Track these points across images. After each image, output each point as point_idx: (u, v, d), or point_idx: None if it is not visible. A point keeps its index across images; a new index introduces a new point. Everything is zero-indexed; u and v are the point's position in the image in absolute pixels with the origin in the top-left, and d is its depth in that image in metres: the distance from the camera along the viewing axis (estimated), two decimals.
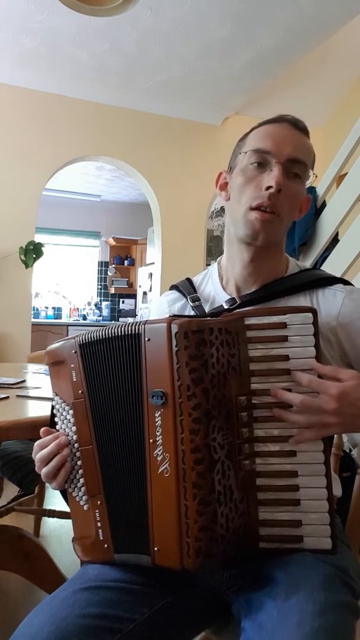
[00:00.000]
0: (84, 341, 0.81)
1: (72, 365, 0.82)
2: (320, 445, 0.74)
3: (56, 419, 0.86)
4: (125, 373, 0.76)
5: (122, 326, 0.77)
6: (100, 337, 0.79)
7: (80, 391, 0.81)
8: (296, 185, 0.89)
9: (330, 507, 0.73)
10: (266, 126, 0.92)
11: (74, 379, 0.82)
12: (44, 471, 0.81)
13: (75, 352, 0.81)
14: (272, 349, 0.75)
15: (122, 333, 0.76)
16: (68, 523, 2.33)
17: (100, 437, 0.79)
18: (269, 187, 0.86)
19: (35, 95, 3.97)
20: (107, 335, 0.78)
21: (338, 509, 0.80)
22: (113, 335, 0.77)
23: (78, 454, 0.81)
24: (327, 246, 2.57)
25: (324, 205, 2.62)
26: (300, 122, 0.92)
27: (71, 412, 0.82)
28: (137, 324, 0.75)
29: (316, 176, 0.95)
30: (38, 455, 0.82)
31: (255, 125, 0.94)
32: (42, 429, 0.84)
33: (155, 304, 1.09)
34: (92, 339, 0.80)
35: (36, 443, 0.84)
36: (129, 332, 0.76)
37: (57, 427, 0.85)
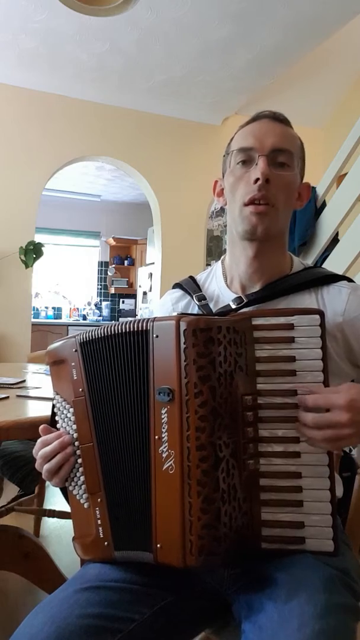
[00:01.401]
0: (85, 339, 0.81)
1: (73, 364, 0.82)
2: None
3: (57, 418, 0.86)
4: (130, 370, 0.76)
5: (128, 323, 0.76)
6: (104, 335, 0.79)
7: (80, 389, 0.81)
8: (285, 173, 0.90)
9: (333, 509, 0.73)
10: (247, 126, 0.94)
11: (75, 378, 0.82)
12: (45, 467, 0.82)
13: (76, 350, 0.82)
14: (279, 349, 0.75)
15: (130, 329, 0.76)
16: (68, 523, 2.33)
17: (101, 434, 0.79)
18: (256, 180, 0.87)
19: (35, 95, 3.97)
20: (112, 333, 0.78)
21: (338, 509, 0.80)
22: (119, 332, 0.77)
23: (78, 452, 0.81)
24: (327, 246, 2.57)
25: (324, 205, 2.62)
26: (280, 115, 0.93)
27: (72, 410, 0.82)
28: (145, 320, 0.75)
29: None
30: (40, 452, 0.82)
31: (237, 129, 0.96)
32: (41, 427, 0.85)
33: (159, 303, 1.09)
34: (94, 337, 0.80)
35: (39, 440, 0.84)
36: (137, 329, 0.75)
37: (58, 425, 0.85)
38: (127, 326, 0.76)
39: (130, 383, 0.76)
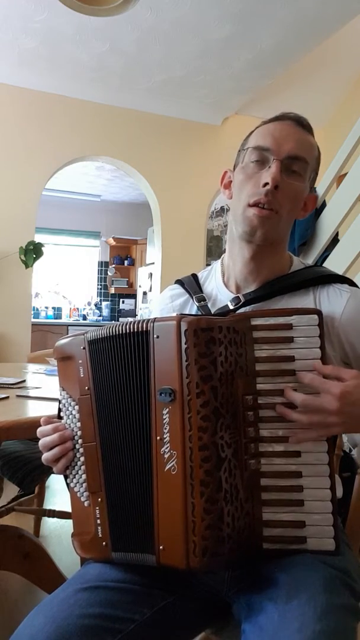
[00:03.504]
0: (93, 338, 0.81)
1: (80, 361, 0.82)
2: (325, 446, 0.74)
3: (62, 414, 0.86)
4: (133, 370, 0.76)
5: (130, 323, 0.77)
6: (109, 334, 0.79)
7: (86, 387, 0.81)
8: (296, 183, 0.88)
9: (333, 508, 0.73)
10: (269, 124, 0.92)
11: (81, 375, 0.82)
12: (44, 456, 0.83)
13: (84, 348, 0.81)
14: (278, 349, 0.75)
15: (131, 330, 0.76)
16: (68, 523, 2.34)
17: (104, 434, 0.79)
18: (265, 184, 0.86)
19: (35, 95, 3.97)
20: (115, 333, 0.78)
21: (338, 509, 0.80)
22: (121, 332, 0.77)
23: (81, 449, 0.81)
24: (327, 246, 2.57)
25: (324, 205, 2.62)
26: (304, 120, 0.92)
27: (77, 407, 0.82)
28: (146, 321, 0.75)
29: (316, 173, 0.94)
30: (41, 441, 0.83)
31: (259, 124, 0.94)
32: (43, 418, 0.85)
33: (159, 298, 1.09)
34: (101, 336, 0.80)
35: (38, 430, 0.85)
36: (138, 330, 0.75)
37: (63, 422, 0.85)
38: (128, 327, 0.76)
39: (131, 384, 0.76)
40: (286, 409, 0.73)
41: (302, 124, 0.91)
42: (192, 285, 1.02)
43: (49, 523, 2.39)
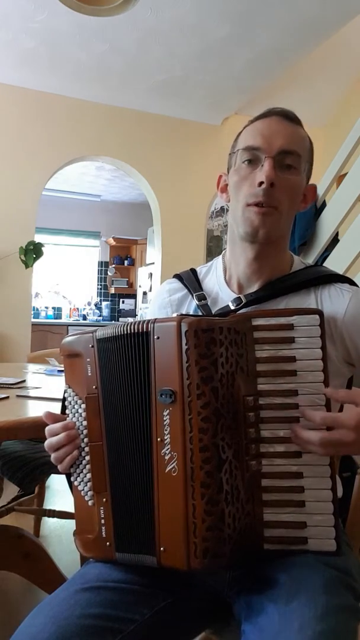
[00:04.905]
0: (102, 336, 0.80)
1: (88, 360, 0.81)
2: None
3: (67, 411, 0.85)
4: (135, 371, 0.76)
5: (132, 324, 0.76)
6: (114, 334, 0.78)
7: (94, 386, 0.81)
8: (291, 177, 0.88)
9: (334, 509, 0.73)
10: (256, 122, 0.91)
11: (89, 374, 0.81)
12: (53, 456, 0.82)
13: (92, 346, 0.81)
14: (279, 350, 0.75)
15: (132, 331, 0.76)
16: (68, 523, 2.34)
17: (110, 434, 0.79)
18: (261, 183, 0.85)
19: (35, 95, 3.97)
20: (119, 333, 0.78)
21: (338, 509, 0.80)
22: (124, 332, 0.77)
23: (87, 448, 0.81)
24: (327, 246, 2.57)
25: (324, 205, 2.62)
26: (291, 113, 0.91)
27: (83, 406, 0.82)
28: (147, 322, 0.75)
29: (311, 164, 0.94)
30: (47, 442, 0.82)
31: (246, 123, 0.93)
32: (45, 412, 0.84)
33: (156, 292, 1.09)
34: (107, 335, 0.79)
35: (46, 429, 0.84)
36: (139, 330, 0.75)
37: (68, 419, 0.85)
38: (132, 327, 0.76)
39: (133, 385, 0.76)
40: (304, 442, 0.71)
41: (289, 118, 0.90)
42: (191, 281, 1.01)
43: (49, 523, 2.39)
